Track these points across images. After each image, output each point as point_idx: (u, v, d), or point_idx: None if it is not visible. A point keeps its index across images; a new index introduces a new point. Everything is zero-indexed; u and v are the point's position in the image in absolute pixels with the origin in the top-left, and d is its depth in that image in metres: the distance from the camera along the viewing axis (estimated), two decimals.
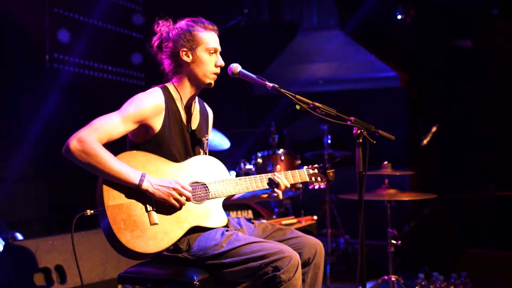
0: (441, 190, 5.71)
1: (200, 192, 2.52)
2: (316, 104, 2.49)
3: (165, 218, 2.39)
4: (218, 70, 2.64)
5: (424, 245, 5.04)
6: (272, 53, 7.10)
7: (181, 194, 2.39)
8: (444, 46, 6.60)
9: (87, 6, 5.27)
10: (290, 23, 7.17)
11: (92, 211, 2.38)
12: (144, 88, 2.58)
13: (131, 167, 2.35)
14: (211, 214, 2.52)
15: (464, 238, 5.52)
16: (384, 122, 6.11)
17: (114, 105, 2.56)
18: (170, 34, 2.59)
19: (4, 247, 3.48)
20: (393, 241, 3.46)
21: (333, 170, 2.86)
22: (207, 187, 2.54)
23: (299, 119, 5.39)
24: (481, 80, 6.33)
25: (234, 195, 2.67)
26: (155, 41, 2.65)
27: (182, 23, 2.61)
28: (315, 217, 3.91)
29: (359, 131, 2.48)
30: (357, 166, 2.48)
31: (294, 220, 3.80)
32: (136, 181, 2.32)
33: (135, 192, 2.36)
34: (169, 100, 2.57)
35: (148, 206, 2.37)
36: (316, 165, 2.85)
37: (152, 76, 3.56)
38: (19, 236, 4.12)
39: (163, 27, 2.64)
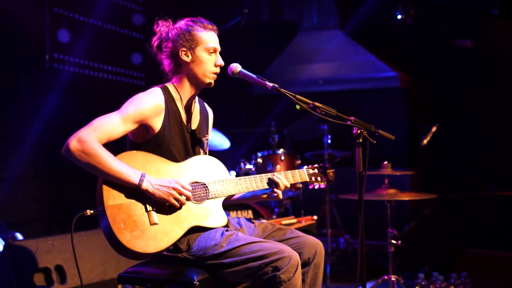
0: (441, 190, 5.71)
1: (200, 192, 2.52)
2: (316, 104, 2.49)
3: (165, 218, 2.39)
4: (217, 70, 2.64)
5: (424, 245, 5.04)
6: (272, 53, 7.10)
7: (181, 194, 2.39)
8: (444, 46, 6.60)
9: (87, 6, 5.27)
10: (290, 23, 7.17)
11: (92, 211, 2.38)
12: (144, 88, 2.58)
13: (131, 167, 2.35)
14: (211, 214, 2.52)
15: (464, 238, 5.52)
16: (384, 122, 6.10)
17: (114, 105, 2.56)
18: (170, 34, 2.59)
19: (4, 247, 3.48)
20: (393, 241, 3.46)
21: (333, 170, 2.86)
22: (207, 187, 2.54)
23: (299, 119, 5.39)
24: (481, 80, 6.33)
25: (234, 195, 2.67)
26: (155, 41, 2.66)
27: (182, 23, 2.61)
28: (315, 217, 3.91)
29: (359, 131, 2.48)
30: (357, 166, 2.48)
31: (294, 220, 3.80)
32: (136, 181, 2.32)
33: (135, 192, 2.36)
34: (169, 100, 2.57)
35: (148, 206, 2.37)
36: (316, 165, 2.85)
37: (152, 76, 3.56)
38: (19, 236, 4.12)
39: (162, 27, 2.64)
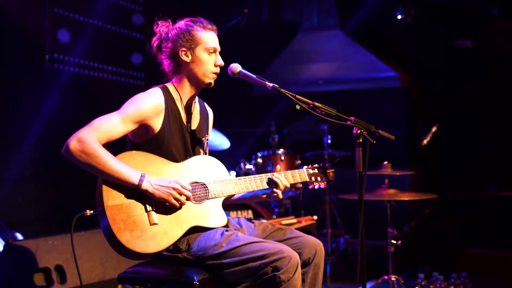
0: (441, 190, 5.71)
1: (200, 192, 2.52)
2: (316, 104, 2.49)
3: (165, 218, 2.39)
4: (217, 70, 2.64)
5: (424, 245, 5.04)
6: (272, 53, 7.10)
7: (181, 194, 2.39)
8: (444, 46, 6.60)
9: (87, 6, 5.27)
10: (290, 23, 7.17)
11: (91, 211, 2.38)
12: (144, 88, 2.58)
13: (131, 167, 2.35)
14: (211, 214, 2.52)
15: (464, 238, 5.52)
16: (384, 122, 6.10)
17: (114, 105, 2.56)
18: (169, 34, 2.59)
19: (4, 247, 3.48)
20: (393, 241, 3.46)
21: (333, 170, 2.86)
22: (206, 187, 2.54)
23: (299, 119, 5.39)
24: (481, 80, 6.33)
25: (234, 195, 2.67)
26: (155, 42, 2.65)
27: (181, 23, 2.61)
28: (315, 217, 3.91)
29: (359, 131, 2.48)
30: (357, 166, 2.48)
31: (294, 220, 3.80)
32: (136, 181, 2.32)
33: (134, 192, 2.36)
34: (169, 100, 2.57)
35: (147, 206, 2.37)
36: (316, 165, 2.85)
37: (152, 76, 3.56)
38: (19, 236, 4.12)
39: (162, 28, 2.64)
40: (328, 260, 4.84)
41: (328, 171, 2.84)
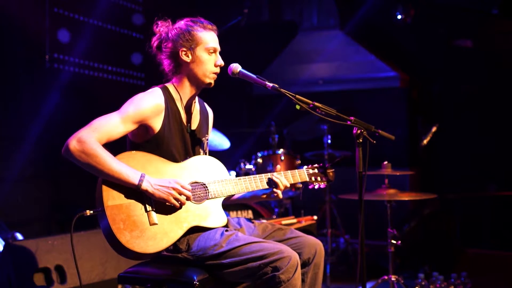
0: (441, 190, 5.71)
1: (200, 192, 2.52)
2: (316, 104, 2.49)
3: (165, 218, 2.39)
4: (217, 70, 2.64)
5: (424, 245, 5.04)
6: (272, 53, 7.10)
7: (181, 194, 2.39)
8: (444, 46, 6.60)
9: (87, 6, 5.27)
10: (290, 23, 7.17)
11: (91, 211, 2.38)
12: (144, 88, 2.58)
13: (131, 167, 2.35)
14: (211, 214, 2.52)
15: (464, 238, 5.52)
16: (384, 122, 6.11)
17: (114, 105, 2.56)
18: (169, 34, 2.59)
19: (4, 247, 3.48)
20: (393, 241, 3.46)
21: (333, 170, 2.86)
22: (206, 187, 2.54)
23: (299, 119, 5.39)
24: (481, 80, 6.33)
25: (234, 195, 2.67)
26: (154, 42, 2.65)
27: (181, 23, 2.61)
28: (315, 217, 3.91)
29: (359, 131, 2.48)
30: (357, 166, 2.48)
31: (294, 220, 3.80)
32: (136, 181, 2.32)
33: (134, 192, 2.36)
34: (169, 100, 2.57)
35: (147, 206, 2.37)
36: (316, 165, 2.85)
37: (152, 76, 3.56)
38: (19, 236, 4.12)
39: (162, 28, 2.64)
40: (328, 260, 4.84)
41: (328, 171, 2.84)
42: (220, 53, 2.65)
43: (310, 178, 2.80)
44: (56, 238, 3.59)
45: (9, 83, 4.74)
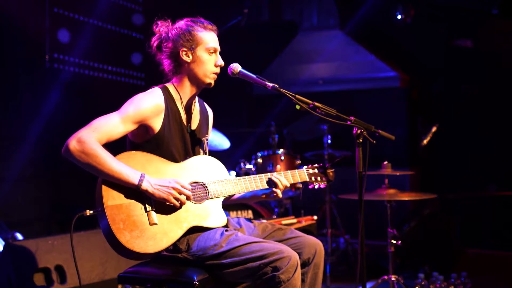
0: (441, 190, 5.71)
1: (200, 192, 2.52)
2: (316, 104, 2.49)
3: (165, 218, 2.39)
4: (218, 70, 2.64)
5: (424, 245, 5.04)
6: (272, 53, 7.10)
7: (181, 193, 2.39)
8: (444, 46, 6.60)
9: (87, 6, 5.27)
10: (290, 23, 7.17)
11: (91, 212, 2.38)
12: (144, 88, 2.58)
13: (131, 167, 2.35)
14: (211, 214, 2.52)
15: (464, 238, 5.52)
16: (384, 122, 6.10)
17: (114, 105, 2.56)
18: (170, 34, 2.59)
19: (4, 247, 3.48)
20: (393, 241, 3.46)
21: (333, 170, 2.86)
22: (206, 187, 2.54)
23: (299, 119, 5.39)
24: (481, 80, 6.33)
25: (234, 195, 2.67)
26: (154, 42, 2.65)
27: (181, 23, 2.61)
28: (315, 217, 3.91)
29: (359, 131, 2.48)
30: (357, 166, 2.48)
31: (294, 220, 3.80)
32: (136, 181, 2.32)
33: (134, 192, 2.36)
34: (169, 100, 2.57)
35: (147, 206, 2.37)
36: (316, 165, 2.85)
37: (152, 76, 3.56)
38: (19, 236, 4.12)
39: (162, 27, 2.64)
40: (328, 260, 4.84)
41: (328, 171, 2.84)
42: (220, 53, 2.65)
43: (310, 178, 2.80)
44: (56, 238, 3.59)
45: (9, 83, 4.74)
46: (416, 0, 6.31)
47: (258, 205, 4.56)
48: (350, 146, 4.03)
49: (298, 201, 5.26)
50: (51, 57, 4.93)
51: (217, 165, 2.66)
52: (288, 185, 2.67)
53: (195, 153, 2.68)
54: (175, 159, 2.55)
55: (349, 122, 2.49)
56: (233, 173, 4.70)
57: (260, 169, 4.63)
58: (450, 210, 5.58)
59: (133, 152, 2.47)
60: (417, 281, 4.06)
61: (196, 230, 2.47)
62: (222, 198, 2.58)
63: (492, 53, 6.32)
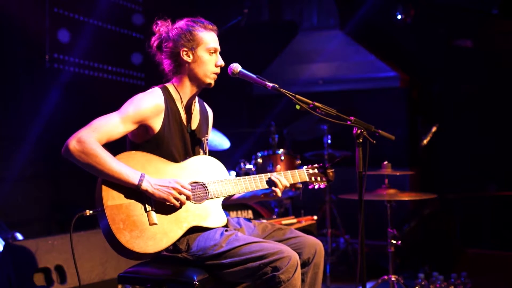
0: (441, 190, 5.71)
1: (200, 192, 2.52)
2: (316, 104, 2.49)
3: (164, 218, 2.39)
4: (218, 70, 2.64)
5: (424, 245, 5.04)
6: (272, 53, 7.10)
7: (181, 193, 2.39)
8: (444, 46, 6.60)
9: (87, 6, 5.27)
10: (290, 23, 7.17)
11: (91, 211, 2.38)
12: (144, 88, 2.58)
13: (131, 167, 2.35)
14: (211, 214, 2.52)
15: (464, 238, 5.52)
16: (384, 122, 6.10)
17: (114, 105, 2.56)
18: (170, 34, 2.59)
19: (4, 247, 3.48)
20: (393, 241, 3.46)
21: (333, 170, 2.86)
22: (206, 187, 2.54)
23: (299, 119, 5.39)
24: (481, 80, 6.33)
25: (234, 195, 2.67)
26: (154, 41, 2.65)
27: (182, 23, 2.61)
28: (315, 217, 3.91)
29: (359, 131, 2.48)
30: (357, 166, 2.48)
31: (294, 220, 3.80)
32: (136, 181, 2.32)
33: (134, 192, 2.36)
34: (169, 100, 2.57)
35: (147, 206, 2.37)
36: (316, 165, 2.84)
37: (152, 76, 3.56)
38: (19, 236, 4.12)
39: (162, 27, 2.64)
40: (328, 260, 4.84)
41: (328, 171, 2.83)
42: (220, 53, 2.65)
43: (310, 178, 2.80)
44: (56, 238, 3.59)
45: (9, 83, 4.74)
46: (416, 0, 6.31)
47: (258, 205, 4.56)
48: (350, 146, 4.03)
49: (298, 201, 5.26)
50: (51, 57, 4.93)
51: (217, 165, 2.66)
52: (288, 185, 2.67)
53: (195, 153, 2.68)
54: (175, 159, 2.55)
55: (349, 122, 2.49)
56: (233, 173, 4.70)
57: (260, 169, 4.63)
58: (450, 210, 5.58)
59: (133, 152, 2.47)
60: (417, 281, 4.06)
61: (196, 230, 2.47)
62: (222, 198, 2.58)
63: (492, 53, 6.32)
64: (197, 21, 2.61)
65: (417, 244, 5.02)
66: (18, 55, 4.77)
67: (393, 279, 3.51)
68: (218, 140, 4.69)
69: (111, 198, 2.32)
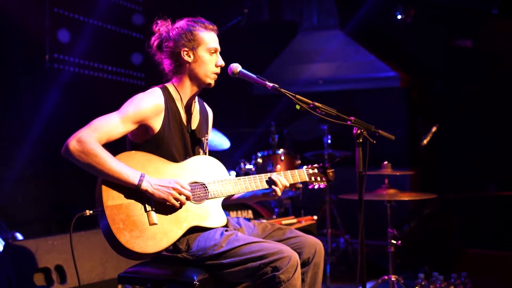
0: (441, 190, 5.71)
1: (200, 192, 2.52)
2: (316, 104, 2.49)
3: (164, 218, 2.39)
4: (218, 70, 2.64)
5: (424, 245, 5.04)
6: (272, 53, 7.10)
7: (181, 194, 2.39)
8: (444, 46, 6.60)
9: (87, 6, 5.27)
10: (290, 23, 7.17)
11: (91, 211, 2.38)
12: (144, 88, 2.58)
13: (130, 167, 2.35)
14: (211, 214, 2.52)
15: (464, 238, 5.52)
16: (384, 122, 6.11)
17: (114, 105, 2.56)
18: (171, 34, 2.59)
19: (4, 247, 3.48)
20: (393, 241, 3.46)
21: (333, 170, 2.86)
22: (206, 187, 2.54)
23: (299, 119, 5.39)
24: (481, 80, 6.33)
25: (234, 195, 2.67)
26: (154, 41, 2.65)
27: (182, 23, 2.61)
28: (315, 217, 3.91)
29: (359, 131, 2.48)
30: (357, 166, 2.48)
31: (294, 220, 3.80)
32: (136, 181, 2.32)
33: (134, 192, 2.36)
34: (169, 100, 2.57)
35: (147, 206, 2.37)
36: (316, 165, 2.84)
37: (152, 76, 3.56)
38: (19, 236, 4.12)
39: (162, 27, 2.64)
40: (328, 260, 4.84)
41: (328, 171, 2.83)
42: (220, 53, 2.65)
43: (310, 178, 2.79)
44: (56, 238, 3.59)
45: (9, 83, 4.74)
46: (416, 0, 6.31)
47: (258, 205, 4.56)
48: (350, 146, 4.03)
49: (298, 201, 5.26)
50: (51, 57, 4.93)
51: (217, 165, 2.66)
52: (288, 185, 2.67)
53: (195, 153, 2.68)
54: (175, 159, 2.55)
55: (349, 122, 2.49)
56: (233, 173, 4.70)
57: (260, 169, 4.64)
58: (450, 210, 5.58)
59: (133, 152, 2.47)
60: (417, 281, 4.06)
61: (196, 230, 2.47)
62: (222, 198, 2.58)
63: (492, 53, 6.32)
64: (197, 21, 2.61)
65: (417, 244, 5.02)
66: (18, 55, 4.77)
67: (393, 279, 3.51)
68: (218, 140, 4.69)
69: (111, 198, 2.32)
